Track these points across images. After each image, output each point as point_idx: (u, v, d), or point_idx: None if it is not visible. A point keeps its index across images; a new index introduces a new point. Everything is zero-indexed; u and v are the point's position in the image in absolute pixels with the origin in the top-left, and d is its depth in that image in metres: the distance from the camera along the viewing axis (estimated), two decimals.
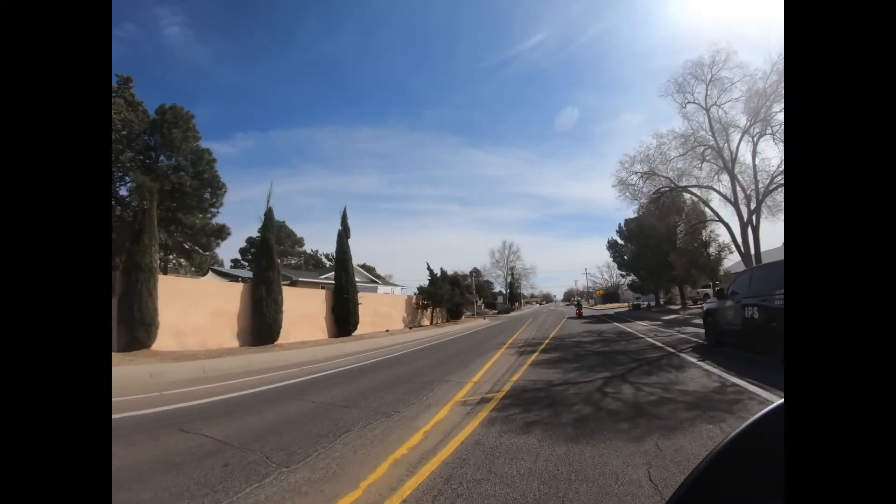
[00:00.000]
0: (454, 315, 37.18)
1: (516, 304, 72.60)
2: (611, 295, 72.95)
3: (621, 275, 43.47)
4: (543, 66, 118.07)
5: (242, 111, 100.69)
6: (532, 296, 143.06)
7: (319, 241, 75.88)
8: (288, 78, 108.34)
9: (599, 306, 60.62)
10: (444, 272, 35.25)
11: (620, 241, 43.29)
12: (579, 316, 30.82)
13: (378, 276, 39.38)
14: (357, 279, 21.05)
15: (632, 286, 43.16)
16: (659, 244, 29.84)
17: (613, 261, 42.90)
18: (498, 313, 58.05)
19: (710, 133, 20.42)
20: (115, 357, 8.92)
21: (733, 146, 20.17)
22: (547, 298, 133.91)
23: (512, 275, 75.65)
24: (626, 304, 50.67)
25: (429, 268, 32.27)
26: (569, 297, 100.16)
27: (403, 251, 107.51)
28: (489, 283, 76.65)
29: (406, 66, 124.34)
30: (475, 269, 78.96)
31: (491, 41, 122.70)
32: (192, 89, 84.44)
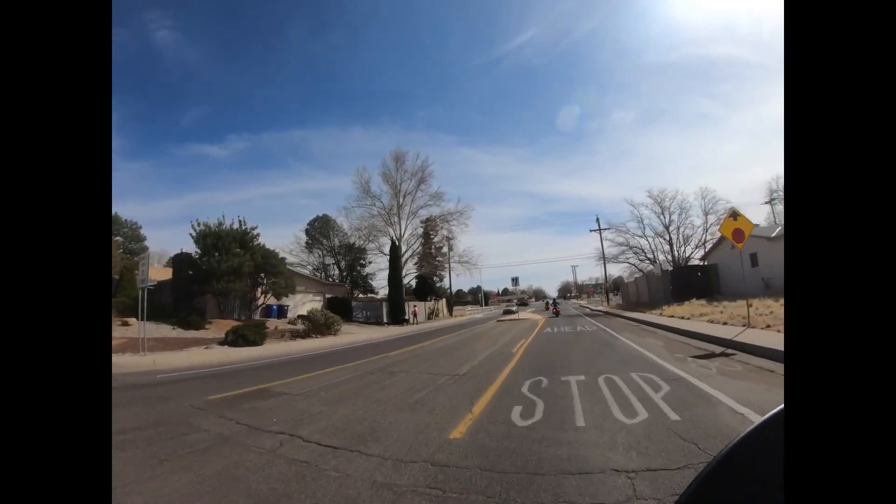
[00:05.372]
0: None
1: (434, 308, 27.93)
2: (687, 275, 23.42)
3: None
4: (535, 63, 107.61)
5: (235, 113, 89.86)
6: (522, 292, 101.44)
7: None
8: (280, 79, 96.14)
9: (676, 318, 13.37)
10: None
11: None
12: (556, 315, 24.34)
13: None
14: None
15: None
16: None
17: None
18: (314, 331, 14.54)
19: None
20: None
21: None
22: (538, 296, 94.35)
23: (426, 233, 31.09)
24: None
25: None
26: (564, 293, 77.64)
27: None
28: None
29: (397, 64, 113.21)
30: (323, 216, 35.05)
31: (481, 37, 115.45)
32: (183, 92, 77.63)
